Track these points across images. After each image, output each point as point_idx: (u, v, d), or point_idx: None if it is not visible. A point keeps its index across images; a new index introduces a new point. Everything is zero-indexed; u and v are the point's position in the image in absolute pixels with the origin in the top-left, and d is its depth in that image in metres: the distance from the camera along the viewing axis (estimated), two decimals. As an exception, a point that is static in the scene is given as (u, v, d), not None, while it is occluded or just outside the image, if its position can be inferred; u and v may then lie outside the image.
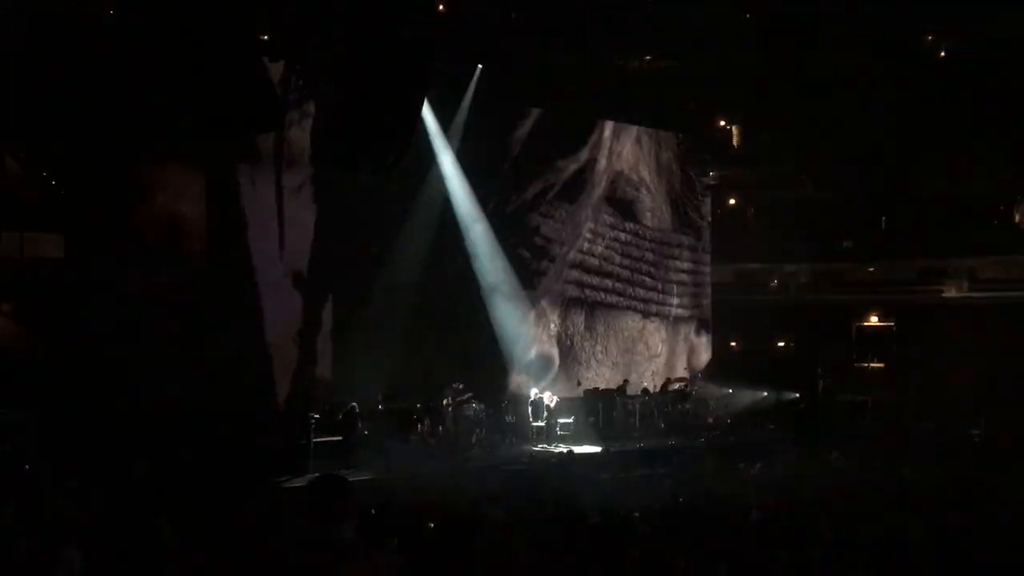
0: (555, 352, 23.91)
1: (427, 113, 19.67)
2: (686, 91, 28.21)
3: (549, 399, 20.33)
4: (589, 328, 24.88)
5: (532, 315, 23.40)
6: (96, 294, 16.42)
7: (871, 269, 31.96)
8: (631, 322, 25.90)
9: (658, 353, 26.47)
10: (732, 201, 33.56)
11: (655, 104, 26.45)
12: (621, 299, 25.69)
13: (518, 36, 21.71)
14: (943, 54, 30.76)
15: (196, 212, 17.88)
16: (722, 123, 32.65)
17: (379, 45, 7.16)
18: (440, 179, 20.79)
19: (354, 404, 17.17)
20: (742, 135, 33.29)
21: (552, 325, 24.00)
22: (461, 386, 19.24)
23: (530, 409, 20.20)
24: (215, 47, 7.21)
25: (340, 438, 16.57)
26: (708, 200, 28.70)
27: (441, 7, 18.96)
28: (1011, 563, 8.57)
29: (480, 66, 21.24)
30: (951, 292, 29.87)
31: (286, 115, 17.01)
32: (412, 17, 7.18)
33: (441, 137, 20.65)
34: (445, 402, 18.83)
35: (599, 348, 25.12)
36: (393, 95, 7.27)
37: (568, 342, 24.41)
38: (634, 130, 26.18)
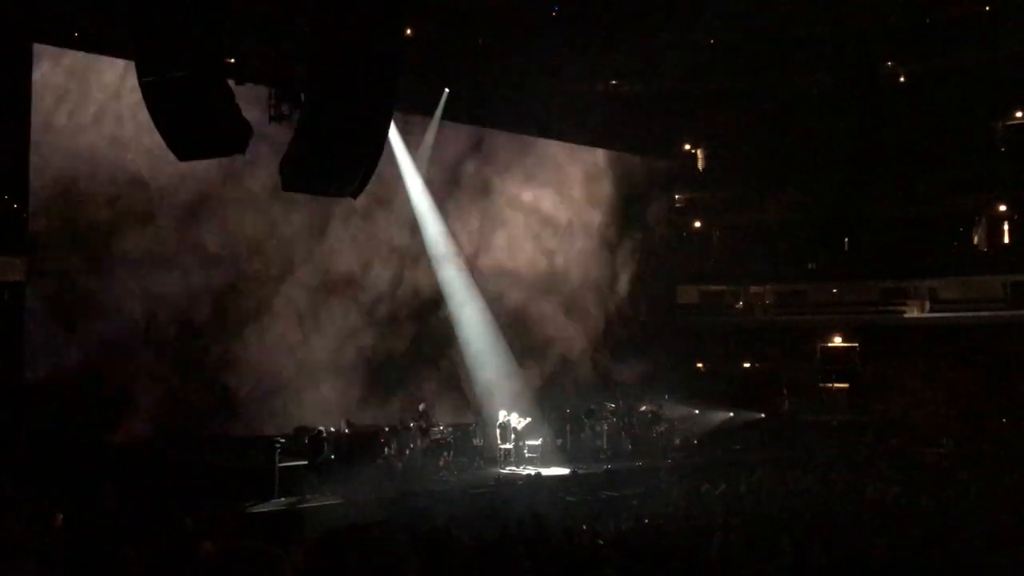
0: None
1: (395, 136, 19.74)
2: (652, 115, 28.51)
3: (517, 421, 20.30)
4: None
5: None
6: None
7: (834, 290, 32.33)
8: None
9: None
10: (697, 224, 33.88)
11: (621, 127, 26.64)
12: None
13: (483, 60, 21.82)
14: (902, 79, 31.39)
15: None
16: (687, 147, 33.01)
17: (345, 67, 7.19)
18: (408, 201, 20.86)
19: (320, 428, 17.05)
20: (707, 159, 33.69)
21: None
22: (423, 407, 19.18)
23: (498, 431, 20.15)
24: (181, 70, 7.23)
25: (306, 462, 16.41)
26: None
27: (409, 31, 19.08)
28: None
29: (448, 90, 21.35)
30: (912, 312, 30.26)
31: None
32: (380, 38, 7.21)
33: (409, 160, 20.74)
34: (412, 424, 18.76)
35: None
36: (359, 118, 7.30)
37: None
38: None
